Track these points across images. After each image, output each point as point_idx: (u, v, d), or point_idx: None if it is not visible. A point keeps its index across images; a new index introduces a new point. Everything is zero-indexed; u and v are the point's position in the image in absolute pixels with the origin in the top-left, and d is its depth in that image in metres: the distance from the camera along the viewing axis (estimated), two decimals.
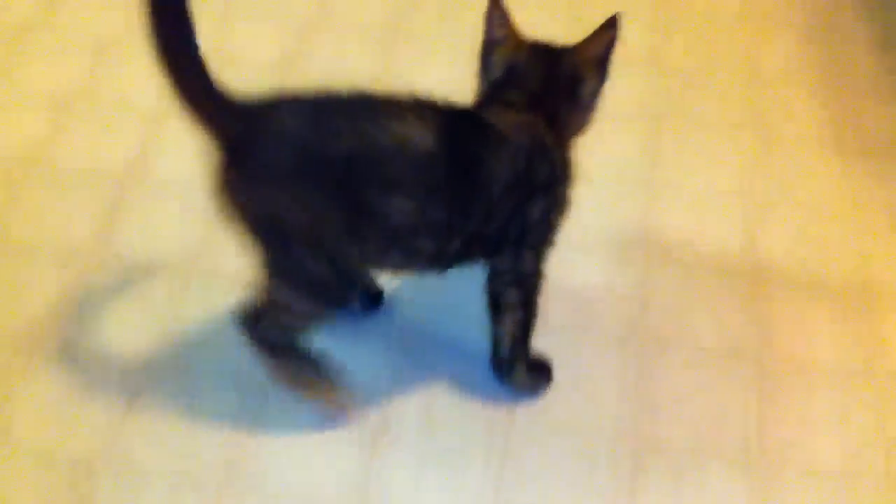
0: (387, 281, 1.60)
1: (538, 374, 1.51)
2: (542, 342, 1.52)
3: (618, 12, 1.34)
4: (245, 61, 1.99)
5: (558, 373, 1.51)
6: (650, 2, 2.16)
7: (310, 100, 1.26)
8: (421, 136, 1.23)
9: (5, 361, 1.50)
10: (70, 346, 1.52)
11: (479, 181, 1.28)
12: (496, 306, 1.43)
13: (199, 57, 1.20)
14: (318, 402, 1.46)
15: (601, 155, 1.82)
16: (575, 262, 1.66)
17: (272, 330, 1.39)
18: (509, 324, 1.43)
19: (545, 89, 1.35)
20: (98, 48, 2.01)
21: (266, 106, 1.25)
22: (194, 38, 1.18)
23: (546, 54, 1.37)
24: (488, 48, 1.40)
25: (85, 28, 2.06)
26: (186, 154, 1.80)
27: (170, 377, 1.49)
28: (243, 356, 1.49)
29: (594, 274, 1.65)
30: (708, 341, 1.57)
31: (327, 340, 1.47)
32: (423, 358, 1.53)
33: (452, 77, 1.79)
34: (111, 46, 2.01)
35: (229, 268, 1.63)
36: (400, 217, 1.26)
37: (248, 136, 1.22)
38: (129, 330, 1.55)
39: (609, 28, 1.35)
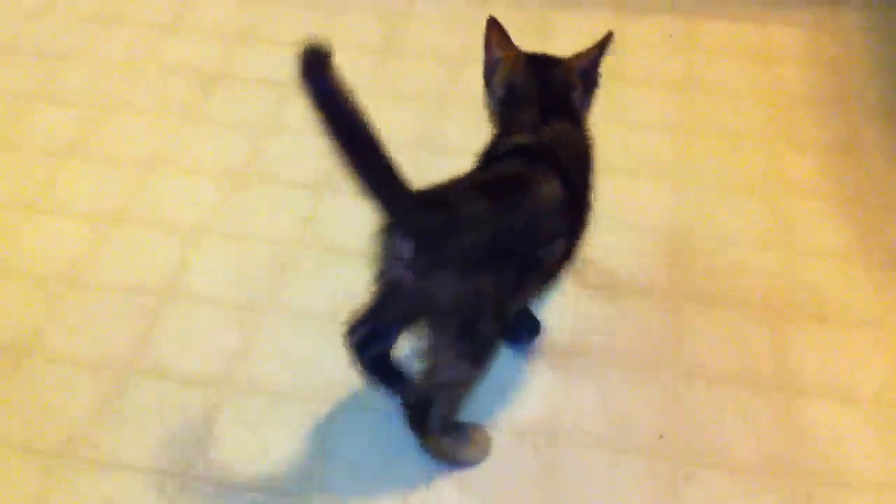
0: None
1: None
2: (575, 458, 1.53)
3: (610, 31, 1.49)
4: (281, 181, 2.05)
5: (590, 491, 1.51)
6: (675, 117, 2.21)
7: (466, 185, 1.39)
8: (553, 188, 1.39)
9: (42, 471, 1.51)
10: (106, 458, 1.53)
11: (578, 196, 1.47)
12: None
13: (387, 159, 1.21)
14: (480, 452, 1.54)
15: (628, 266, 1.85)
16: (605, 377, 1.67)
17: (442, 414, 1.47)
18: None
19: (546, 98, 1.50)
20: (138, 166, 2.07)
21: (436, 195, 1.34)
22: (379, 142, 1.20)
23: (539, 64, 1.52)
24: (491, 69, 1.53)
25: (126, 147, 2.13)
26: (220, 269, 1.84)
27: (206, 489, 1.49)
28: (279, 467, 1.50)
29: (624, 389, 1.65)
30: (741, 454, 1.55)
31: None
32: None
33: None
34: (150, 164, 2.08)
35: (263, 380, 1.64)
36: (555, 257, 1.44)
37: (446, 225, 1.30)
38: (166, 441, 1.56)
39: (600, 44, 1.51)
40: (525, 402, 1.62)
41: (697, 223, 1.95)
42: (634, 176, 2.05)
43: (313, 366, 1.67)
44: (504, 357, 1.67)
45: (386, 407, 1.59)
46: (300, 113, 2.21)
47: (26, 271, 1.84)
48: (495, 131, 1.53)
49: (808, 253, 1.90)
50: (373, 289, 1.40)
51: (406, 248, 1.29)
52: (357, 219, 1.94)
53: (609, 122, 2.16)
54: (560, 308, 1.77)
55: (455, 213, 1.30)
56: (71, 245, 1.89)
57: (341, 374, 1.65)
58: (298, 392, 1.63)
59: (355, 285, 1.79)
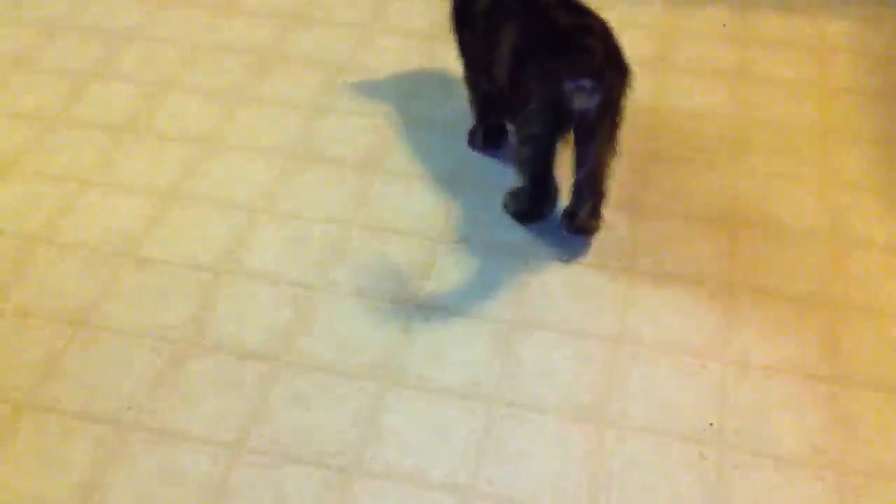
0: None
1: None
2: (623, 445, 1.55)
3: None
4: (333, 160, 2.07)
5: (636, 478, 1.52)
6: (727, 107, 2.21)
7: (571, 27, 1.75)
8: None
9: (99, 439, 1.54)
10: (163, 426, 1.57)
11: None
12: None
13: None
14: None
15: (678, 254, 1.85)
16: (654, 365, 1.68)
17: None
18: None
19: None
20: (193, 143, 2.11)
21: (572, 35, 1.74)
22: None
23: None
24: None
25: (182, 124, 2.16)
26: (274, 246, 1.87)
27: (260, 461, 1.52)
28: (331, 442, 1.53)
29: (672, 378, 1.66)
30: (789, 444, 1.56)
31: None
32: None
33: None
34: (206, 142, 2.11)
35: (316, 356, 1.67)
36: None
37: (601, 49, 1.72)
38: (221, 413, 1.59)
39: None
40: (573, 389, 1.63)
41: (748, 213, 1.95)
42: (687, 164, 2.05)
43: (364, 344, 1.69)
44: (553, 344, 1.69)
45: (435, 386, 1.62)
46: (351, 93, 2.26)
47: (84, 244, 1.87)
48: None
49: (858, 245, 1.89)
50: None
51: (587, 82, 1.67)
52: (407, 198, 1.97)
53: (663, 111, 2.16)
54: (610, 295, 1.78)
55: (598, 38, 1.71)
56: (128, 219, 1.93)
57: (391, 352, 1.67)
58: (349, 369, 1.65)
59: (405, 263, 1.83)
